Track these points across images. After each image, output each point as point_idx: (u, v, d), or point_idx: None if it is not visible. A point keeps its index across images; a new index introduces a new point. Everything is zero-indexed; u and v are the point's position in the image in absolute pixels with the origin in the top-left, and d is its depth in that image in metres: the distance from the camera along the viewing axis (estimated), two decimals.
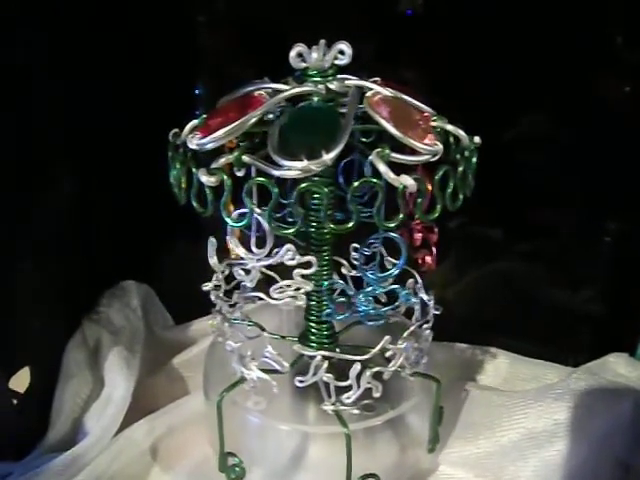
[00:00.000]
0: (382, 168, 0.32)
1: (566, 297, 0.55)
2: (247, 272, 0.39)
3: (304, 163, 0.31)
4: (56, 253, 0.49)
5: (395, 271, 0.39)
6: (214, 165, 0.33)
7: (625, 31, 0.46)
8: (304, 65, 0.35)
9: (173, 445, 0.47)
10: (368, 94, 0.35)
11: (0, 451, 0.45)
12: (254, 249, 0.38)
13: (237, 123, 0.32)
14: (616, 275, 0.53)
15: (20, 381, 0.47)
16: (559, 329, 0.54)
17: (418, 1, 0.50)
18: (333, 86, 0.35)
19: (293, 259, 0.37)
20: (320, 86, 0.35)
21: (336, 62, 0.35)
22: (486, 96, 0.49)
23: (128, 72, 0.51)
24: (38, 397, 0.48)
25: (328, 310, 0.41)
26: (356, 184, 0.33)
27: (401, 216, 0.33)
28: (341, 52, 0.34)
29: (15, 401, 0.47)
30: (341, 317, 0.41)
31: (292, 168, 0.31)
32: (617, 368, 0.48)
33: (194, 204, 0.35)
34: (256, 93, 0.35)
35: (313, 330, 0.42)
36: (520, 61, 0.48)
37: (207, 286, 0.41)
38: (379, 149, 0.32)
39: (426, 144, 0.33)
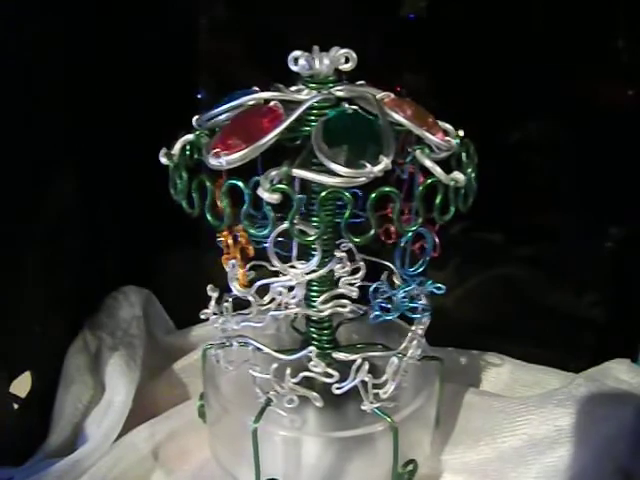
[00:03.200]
0: (429, 164, 0.33)
1: (568, 302, 0.55)
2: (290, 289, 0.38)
3: (369, 169, 0.31)
4: (57, 258, 0.49)
5: (425, 263, 0.40)
6: (265, 182, 0.31)
7: (627, 34, 0.46)
8: (310, 72, 0.35)
9: (174, 450, 0.47)
10: (377, 97, 0.35)
11: (0, 456, 0.45)
12: (297, 264, 0.37)
13: (267, 139, 0.32)
14: (618, 280, 0.53)
15: (21, 386, 0.47)
16: (561, 334, 0.54)
17: (420, 5, 0.50)
18: (342, 93, 0.35)
19: (344, 267, 0.37)
20: (324, 92, 0.34)
21: (340, 68, 0.35)
22: (488, 100, 0.49)
23: (129, 75, 0.51)
24: (39, 402, 0.48)
25: (376, 312, 0.41)
26: (421, 188, 0.33)
27: (453, 209, 0.34)
28: (346, 58, 0.34)
29: (16, 406, 0.47)
30: (389, 317, 0.41)
31: (353, 175, 0.31)
32: (619, 374, 0.48)
33: (251, 231, 0.33)
34: (272, 103, 0.34)
35: (314, 336, 0.42)
36: (522, 64, 0.48)
37: (207, 313, 0.40)
38: (419, 148, 0.34)
39: (443, 140, 0.35)
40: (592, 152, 0.49)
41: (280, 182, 0.32)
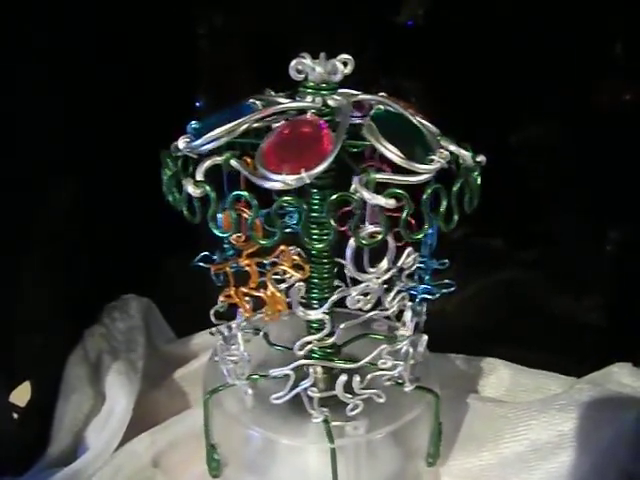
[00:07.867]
0: (454, 148, 0.34)
1: (569, 307, 0.55)
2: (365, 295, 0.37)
3: (436, 161, 0.32)
4: (57, 267, 0.49)
5: (434, 243, 0.40)
6: (362, 188, 0.31)
7: (626, 38, 0.47)
8: (320, 79, 0.34)
9: (175, 459, 0.47)
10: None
11: (0, 466, 0.45)
12: (370, 268, 0.36)
13: (331, 157, 0.31)
14: (619, 284, 0.53)
15: (21, 395, 0.47)
16: (562, 339, 0.54)
17: (419, 12, 0.50)
18: (360, 97, 0.35)
19: (414, 263, 0.37)
20: (338, 97, 0.34)
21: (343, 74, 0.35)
22: (487, 105, 0.49)
23: (128, 84, 0.51)
24: (39, 412, 0.48)
25: (423, 295, 0.41)
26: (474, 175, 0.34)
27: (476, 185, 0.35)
28: (344, 63, 0.34)
29: (16, 415, 0.47)
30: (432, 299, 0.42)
31: (428, 171, 0.32)
32: (621, 378, 0.48)
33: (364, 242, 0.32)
34: (309, 114, 0.34)
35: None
36: (520, 70, 0.48)
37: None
38: (442, 140, 0.35)
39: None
40: (592, 156, 0.49)
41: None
